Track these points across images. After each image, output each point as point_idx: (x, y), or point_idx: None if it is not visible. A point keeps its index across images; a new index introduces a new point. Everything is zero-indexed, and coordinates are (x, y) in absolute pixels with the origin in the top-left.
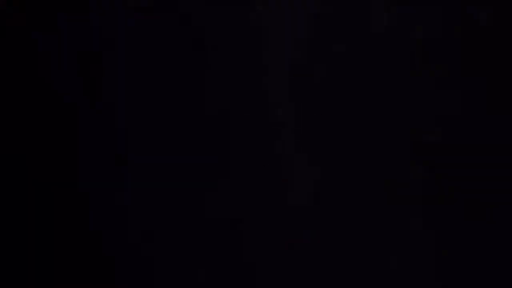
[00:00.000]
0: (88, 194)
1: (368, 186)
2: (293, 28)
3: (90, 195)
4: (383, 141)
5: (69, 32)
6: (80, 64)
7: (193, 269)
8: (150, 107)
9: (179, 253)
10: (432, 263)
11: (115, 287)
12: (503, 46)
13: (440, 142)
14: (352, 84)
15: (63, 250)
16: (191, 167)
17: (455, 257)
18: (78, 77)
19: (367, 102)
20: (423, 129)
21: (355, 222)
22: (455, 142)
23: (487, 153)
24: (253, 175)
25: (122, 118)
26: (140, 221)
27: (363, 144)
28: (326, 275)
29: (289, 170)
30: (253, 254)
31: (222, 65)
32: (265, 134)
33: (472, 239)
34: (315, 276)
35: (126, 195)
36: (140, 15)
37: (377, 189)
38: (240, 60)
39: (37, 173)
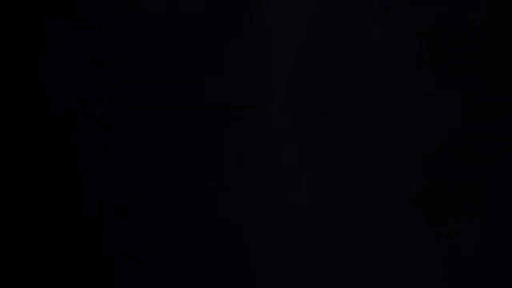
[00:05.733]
0: (89, 196)
1: (368, 190)
2: (294, 32)
3: (92, 197)
4: (383, 146)
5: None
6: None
7: (196, 272)
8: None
9: (181, 257)
10: (434, 265)
11: None
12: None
13: (440, 148)
14: (352, 88)
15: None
16: (189, 171)
17: (457, 257)
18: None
19: (366, 107)
20: (423, 134)
21: (355, 226)
22: (454, 147)
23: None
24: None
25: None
26: (143, 223)
27: (362, 149)
28: (326, 278)
29: (290, 175)
30: (255, 257)
31: (222, 69)
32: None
33: (473, 241)
34: (315, 278)
35: (130, 198)
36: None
37: (377, 193)
38: (242, 65)
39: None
